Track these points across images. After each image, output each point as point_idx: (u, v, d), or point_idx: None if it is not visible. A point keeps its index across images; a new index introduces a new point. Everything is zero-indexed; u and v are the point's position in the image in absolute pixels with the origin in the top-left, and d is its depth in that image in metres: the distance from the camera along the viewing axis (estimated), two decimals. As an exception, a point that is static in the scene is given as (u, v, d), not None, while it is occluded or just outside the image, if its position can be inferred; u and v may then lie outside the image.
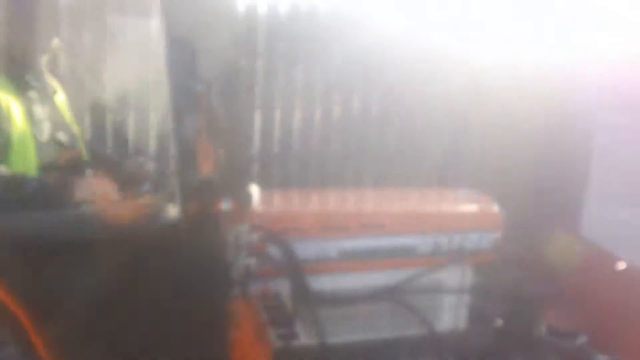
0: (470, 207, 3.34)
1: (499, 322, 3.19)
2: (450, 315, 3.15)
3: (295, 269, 2.83)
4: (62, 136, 2.93)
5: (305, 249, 2.87)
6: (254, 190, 2.64)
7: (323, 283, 2.91)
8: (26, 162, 2.66)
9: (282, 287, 2.88)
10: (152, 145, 3.14)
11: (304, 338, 2.91)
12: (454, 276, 3.15)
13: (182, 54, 2.34)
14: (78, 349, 2.43)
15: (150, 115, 3.08)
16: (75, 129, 3.01)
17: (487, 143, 5.32)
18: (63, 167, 2.91)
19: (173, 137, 2.39)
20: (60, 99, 2.96)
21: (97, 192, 2.63)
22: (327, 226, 2.95)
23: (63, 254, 2.34)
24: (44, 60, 2.83)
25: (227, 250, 2.57)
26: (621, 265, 3.23)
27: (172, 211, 2.46)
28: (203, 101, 2.38)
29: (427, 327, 3.05)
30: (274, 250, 2.81)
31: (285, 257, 2.82)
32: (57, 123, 2.90)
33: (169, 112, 2.38)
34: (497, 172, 4.97)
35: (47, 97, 2.87)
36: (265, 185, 3.13)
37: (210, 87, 2.45)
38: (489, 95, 5.10)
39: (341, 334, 2.97)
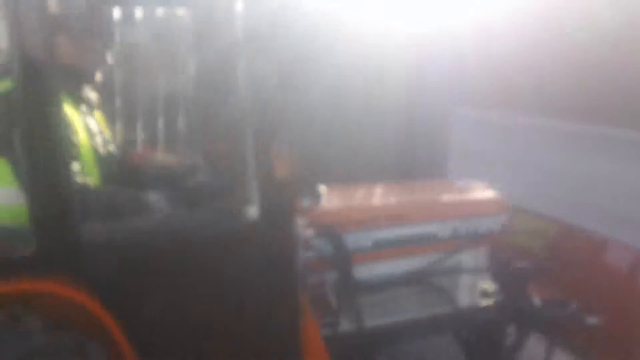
0: (478, 195, 3.65)
1: (502, 297, 3.53)
2: (465, 293, 3.44)
3: (344, 261, 3.01)
4: (113, 148, 2.91)
5: (346, 241, 3.06)
6: (323, 188, 2.78)
7: (361, 272, 3.12)
8: (90, 174, 2.63)
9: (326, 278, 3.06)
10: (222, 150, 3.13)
11: (346, 325, 3.09)
12: (469, 257, 3.46)
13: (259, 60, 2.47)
14: (163, 342, 2.54)
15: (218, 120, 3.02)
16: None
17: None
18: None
19: (250, 141, 2.51)
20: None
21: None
22: (361, 219, 3.15)
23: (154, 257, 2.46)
24: (97, 75, 2.79)
25: (296, 246, 2.72)
26: (594, 240, 3.68)
27: (250, 211, 2.58)
28: (278, 104, 2.52)
29: (450, 304, 3.34)
30: (323, 244, 2.98)
31: (336, 250, 2.99)
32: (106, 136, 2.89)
33: (245, 118, 2.50)
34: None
35: (95, 110, 2.84)
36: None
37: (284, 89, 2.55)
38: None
39: (378, 318, 3.19)
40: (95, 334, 2.34)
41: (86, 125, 2.70)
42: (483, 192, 3.67)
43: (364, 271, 3.15)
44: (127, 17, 3.44)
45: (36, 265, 2.30)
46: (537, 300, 3.49)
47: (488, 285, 3.53)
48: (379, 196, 3.45)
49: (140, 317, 2.45)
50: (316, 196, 2.72)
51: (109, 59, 2.78)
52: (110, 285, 2.36)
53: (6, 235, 2.45)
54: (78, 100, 2.71)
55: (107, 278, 2.37)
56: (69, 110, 2.58)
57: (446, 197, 3.60)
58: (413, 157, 5.47)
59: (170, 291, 2.50)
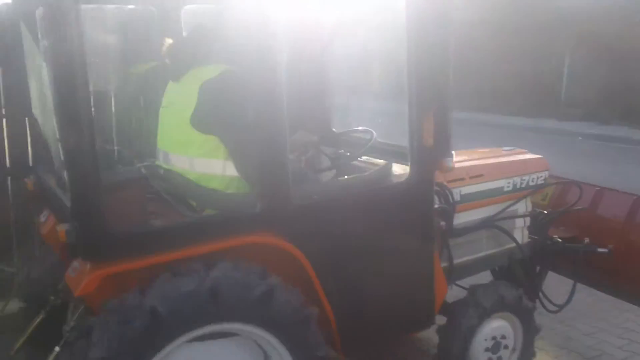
0: (526, 157, 4.59)
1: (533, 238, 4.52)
2: (517, 234, 4.39)
3: (450, 211, 3.86)
4: None
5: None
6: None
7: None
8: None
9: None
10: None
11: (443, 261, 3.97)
12: (522, 206, 4.42)
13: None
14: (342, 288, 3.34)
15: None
16: None
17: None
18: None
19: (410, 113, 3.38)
20: None
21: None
22: (453, 179, 3.98)
23: (336, 212, 3.28)
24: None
25: (433, 198, 3.66)
26: (592, 189, 4.70)
27: (400, 172, 3.54)
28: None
29: (508, 243, 4.31)
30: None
31: (445, 202, 3.84)
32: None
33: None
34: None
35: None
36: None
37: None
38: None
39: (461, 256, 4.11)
40: (295, 277, 3.00)
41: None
42: (526, 155, 4.61)
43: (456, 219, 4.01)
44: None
45: (257, 224, 2.97)
46: (557, 239, 4.48)
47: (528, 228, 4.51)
48: (462, 160, 4.27)
49: (327, 261, 3.18)
50: (451, 157, 3.50)
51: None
52: (308, 237, 3.07)
53: (233, 200, 3.16)
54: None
55: (307, 232, 3.08)
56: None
57: (507, 160, 4.48)
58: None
59: (349, 238, 3.32)
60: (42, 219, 3.68)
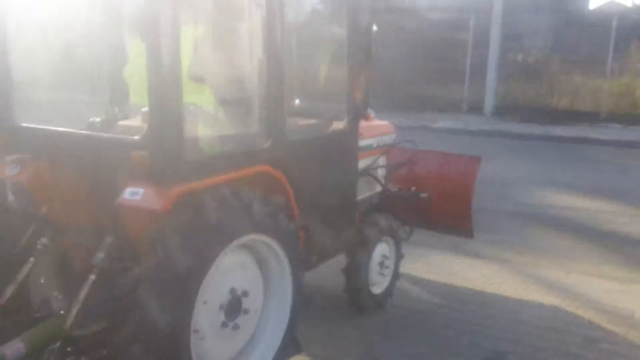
0: (383, 123, 5.53)
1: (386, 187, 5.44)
2: (380, 183, 5.36)
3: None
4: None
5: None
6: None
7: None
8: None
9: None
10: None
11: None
12: (381, 160, 5.44)
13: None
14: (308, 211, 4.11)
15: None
16: None
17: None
18: None
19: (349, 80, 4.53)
20: None
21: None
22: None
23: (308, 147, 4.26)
24: None
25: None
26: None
27: (345, 123, 4.61)
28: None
29: (375, 189, 5.33)
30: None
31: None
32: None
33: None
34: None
35: None
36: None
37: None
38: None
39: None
40: (281, 196, 3.75)
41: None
42: (383, 122, 5.56)
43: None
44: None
45: (258, 158, 3.66)
46: (394, 189, 5.54)
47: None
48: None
49: (301, 185, 3.95)
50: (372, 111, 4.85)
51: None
52: (292, 168, 3.85)
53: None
54: None
55: (291, 163, 3.85)
56: None
57: (372, 123, 5.19)
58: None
59: (312, 166, 4.23)
60: (12, 171, 3.71)
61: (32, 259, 3.61)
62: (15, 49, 3.86)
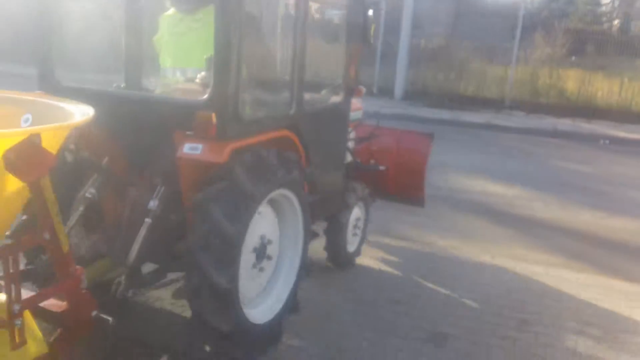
0: (353, 100, 5.53)
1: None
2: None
3: None
4: None
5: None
6: None
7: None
8: None
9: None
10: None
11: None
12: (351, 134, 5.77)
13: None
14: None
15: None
16: None
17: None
18: None
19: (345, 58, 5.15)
20: None
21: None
22: None
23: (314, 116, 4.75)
24: None
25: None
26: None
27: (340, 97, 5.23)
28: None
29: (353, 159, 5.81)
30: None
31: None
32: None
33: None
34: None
35: None
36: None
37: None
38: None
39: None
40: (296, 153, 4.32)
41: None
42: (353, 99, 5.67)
43: None
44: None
45: (280, 124, 4.24)
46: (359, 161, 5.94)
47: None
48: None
49: (311, 145, 4.52)
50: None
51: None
52: (303, 132, 4.41)
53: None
54: None
55: (303, 129, 4.41)
56: None
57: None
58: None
59: (317, 135, 4.71)
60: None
61: (85, 206, 3.93)
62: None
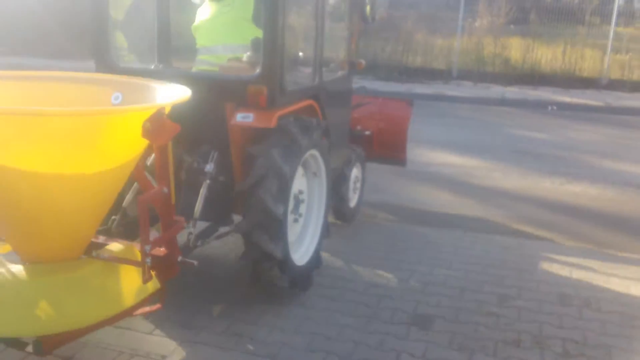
0: None
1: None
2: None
3: None
4: None
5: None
6: None
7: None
8: None
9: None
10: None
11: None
12: None
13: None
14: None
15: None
16: None
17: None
18: None
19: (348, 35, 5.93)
20: None
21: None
22: None
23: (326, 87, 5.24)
24: None
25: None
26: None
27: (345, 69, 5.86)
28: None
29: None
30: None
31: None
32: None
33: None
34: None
35: None
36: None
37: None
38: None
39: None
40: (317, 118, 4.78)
41: None
42: None
43: None
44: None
45: (307, 94, 4.86)
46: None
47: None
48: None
49: (326, 112, 5.10)
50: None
51: None
52: (323, 101, 5.03)
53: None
54: None
55: (322, 98, 5.03)
56: None
57: None
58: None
59: (331, 102, 5.25)
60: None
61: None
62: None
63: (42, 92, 3.79)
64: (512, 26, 19.71)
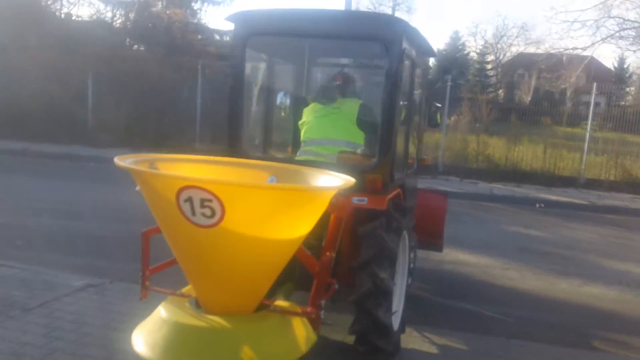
0: None
1: None
2: None
3: None
4: None
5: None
6: None
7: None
8: None
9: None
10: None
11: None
12: None
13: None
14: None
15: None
16: None
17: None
18: None
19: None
20: None
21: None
22: None
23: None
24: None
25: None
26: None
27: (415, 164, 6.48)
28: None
29: None
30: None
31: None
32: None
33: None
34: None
35: None
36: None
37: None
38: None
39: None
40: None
41: None
42: None
43: None
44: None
45: (399, 183, 5.36)
46: None
47: None
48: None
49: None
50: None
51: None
52: (405, 192, 5.68)
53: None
54: None
55: (405, 189, 5.68)
56: None
57: None
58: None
59: (409, 190, 5.96)
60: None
61: None
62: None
63: (220, 173, 4.08)
64: (481, 126, 19.97)
